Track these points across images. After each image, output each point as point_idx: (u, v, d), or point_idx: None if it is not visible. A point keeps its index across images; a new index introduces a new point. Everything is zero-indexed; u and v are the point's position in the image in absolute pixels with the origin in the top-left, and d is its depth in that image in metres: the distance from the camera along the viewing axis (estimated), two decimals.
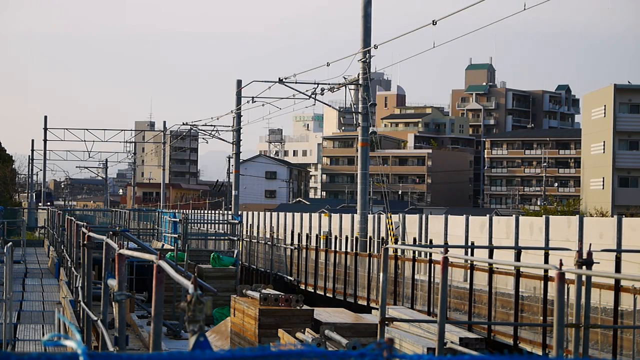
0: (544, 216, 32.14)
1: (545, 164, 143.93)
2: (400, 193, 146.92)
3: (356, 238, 37.52)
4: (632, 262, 23.19)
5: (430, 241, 36.22)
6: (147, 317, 31.72)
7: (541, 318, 22.10)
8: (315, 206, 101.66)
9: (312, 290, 38.15)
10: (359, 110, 39.05)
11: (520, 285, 23.17)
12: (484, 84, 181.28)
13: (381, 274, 15.15)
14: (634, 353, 19.18)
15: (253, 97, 52.20)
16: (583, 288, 13.48)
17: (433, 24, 33.17)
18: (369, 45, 37.99)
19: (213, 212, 70.07)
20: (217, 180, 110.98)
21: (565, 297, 12.26)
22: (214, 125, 65.64)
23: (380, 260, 16.06)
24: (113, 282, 11.46)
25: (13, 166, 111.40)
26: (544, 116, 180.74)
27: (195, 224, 59.38)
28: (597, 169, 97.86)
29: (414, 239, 37.94)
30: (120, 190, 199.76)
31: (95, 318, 13.82)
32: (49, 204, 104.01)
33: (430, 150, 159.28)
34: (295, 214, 54.37)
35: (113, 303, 11.16)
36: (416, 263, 29.37)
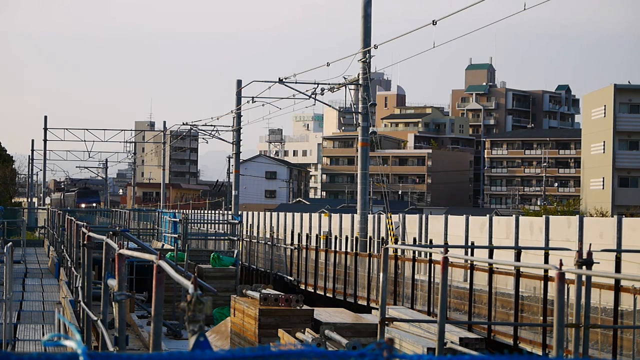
0: (544, 216, 32.14)
1: (545, 164, 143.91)
2: (400, 193, 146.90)
3: (356, 238, 37.51)
4: (632, 262, 23.19)
5: (430, 241, 36.22)
6: (147, 317, 31.72)
7: (541, 318, 22.10)
8: (315, 206, 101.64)
9: (312, 290, 38.14)
10: (359, 110, 39.05)
11: (520, 285, 23.17)
12: (484, 84, 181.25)
13: (381, 274, 15.15)
14: (634, 353, 19.18)
15: (253, 97, 52.19)
16: (583, 288, 13.48)
17: (433, 24, 33.17)
18: (369, 45, 37.98)
19: (213, 212, 70.06)
20: (217, 180, 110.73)
21: (565, 297, 12.26)
22: (214, 125, 65.65)
23: (380, 260, 16.06)
24: (113, 282, 11.46)
25: (13, 166, 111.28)
26: (544, 116, 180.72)
27: (195, 224, 59.37)
28: (597, 169, 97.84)
29: (414, 239, 37.94)
30: (120, 190, 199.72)
31: (95, 318, 13.82)
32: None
33: (430, 150, 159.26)
34: (295, 214, 54.36)
35: (113, 303, 11.16)
36: (416, 263, 29.36)
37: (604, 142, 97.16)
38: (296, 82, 43.19)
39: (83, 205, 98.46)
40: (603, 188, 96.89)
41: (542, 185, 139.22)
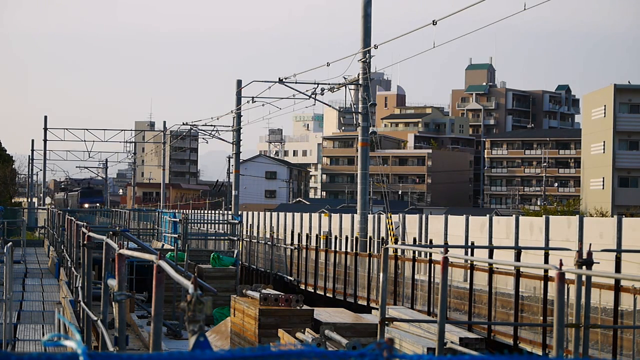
0: (544, 216, 32.13)
1: (545, 164, 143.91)
2: (400, 193, 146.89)
3: (356, 238, 37.51)
4: (632, 262, 23.19)
5: (430, 241, 36.21)
6: (147, 317, 31.72)
7: (541, 318, 22.10)
8: (315, 206, 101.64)
9: (312, 290, 38.14)
10: (359, 110, 39.04)
11: (520, 285, 23.17)
12: (484, 84, 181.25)
13: (381, 274, 15.15)
14: (634, 353, 19.18)
15: (253, 97, 52.18)
16: (583, 288, 13.48)
17: (433, 24, 33.16)
18: (369, 45, 37.98)
19: (213, 212, 70.05)
20: (217, 180, 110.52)
21: (565, 297, 12.26)
22: (214, 125, 65.65)
23: (380, 260, 16.07)
24: (113, 282, 11.46)
25: (13, 166, 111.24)
26: (544, 116, 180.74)
27: (195, 224, 59.36)
28: (597, 169, 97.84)
29: (414, 239, 37.93)
30: (120, 190, 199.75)
31: (95, 318, 13.81)
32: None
33: (430, 150, 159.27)
34: (295, 214, 54.36)
35: (113, 303, 11.16)
36: (416, 263, 29.36)
37: (604, 142, 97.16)
38: (296, 82, 43.20)
39: (86, 205, 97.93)
40: (603, 188, 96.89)
41: (542, 185, 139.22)
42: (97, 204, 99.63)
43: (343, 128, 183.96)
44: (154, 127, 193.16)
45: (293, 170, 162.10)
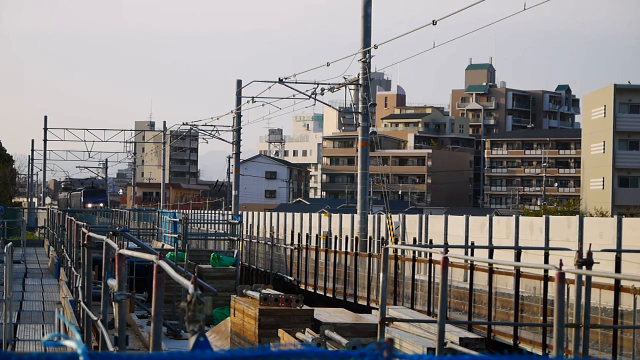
0: (544, 216, 32.14)
1: (545, 164, 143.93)
2: (400, 193, 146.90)
3: (356, 238, 37.51)
4: (632, 262, 23.19)
5: (430, 241, 36.22)
6: (147, 317, 31.72)
7: (541, 318, 22.10)
8: (315, 206, 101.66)
9: (312, 290, 38.14)
10: (359, 110, 39.05)
11: (520, 285, 23.17)
12: (484, 84, 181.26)
13: (381, 274, 15.16)
14: (634, 353, 19.18)
15: (253, 97, 52.18)
16: (583, 288, 13.48)
17: (433, 24, 33.17)
18: (369, 45, 37.98)
19: (213, 212, 70.04)
20: (217, 180, 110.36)
21: (565, 297, 12.26)
22: (214, 125, 65.68)
23: (380, 260, 16.07)
24: (113, 282, 11.46)
25: (13, 166, 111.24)
26: (544, 116, 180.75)
27: (195, 224, 59.35)
28: (597, 169, 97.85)
29: (414, 239, 37.94)
30: (120, 190, 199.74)
31: (95, 318, 13.81)
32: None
33: (430, 150, 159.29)
34: (295, 214, 54.37)
35: (113, 303, 11.16)
36: (416, 263, 29.37)
37: (604, 142, 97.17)
38: (296, 82, 43.20)
39: (90, 205, 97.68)
40: (603, 188, 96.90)
41: (542, 185, 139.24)
42: (101, 204, 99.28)
43: (343, 128, 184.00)
44: (154, 127, 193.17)
45: (293, 170, 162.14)
